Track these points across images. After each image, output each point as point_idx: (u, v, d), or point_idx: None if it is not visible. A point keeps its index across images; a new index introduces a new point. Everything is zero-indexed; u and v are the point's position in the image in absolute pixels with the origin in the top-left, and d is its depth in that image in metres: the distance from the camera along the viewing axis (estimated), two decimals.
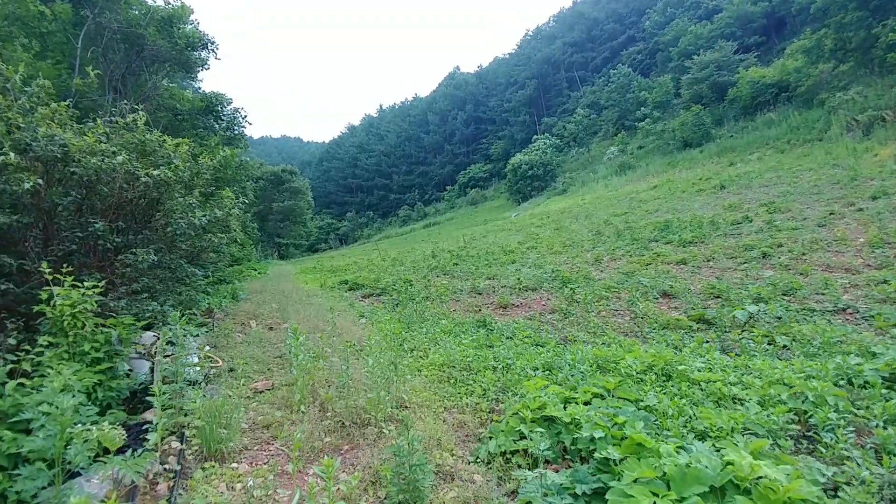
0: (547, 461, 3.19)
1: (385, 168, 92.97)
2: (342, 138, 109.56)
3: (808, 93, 27.29)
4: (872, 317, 5.67)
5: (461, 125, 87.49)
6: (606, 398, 3.86)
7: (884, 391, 3.50)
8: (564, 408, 3.74)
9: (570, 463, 3.22)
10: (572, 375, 4.55)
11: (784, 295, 6.98)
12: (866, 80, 24.01)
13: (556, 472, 2.93)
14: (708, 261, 10.15)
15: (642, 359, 4.50)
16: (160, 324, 4.90)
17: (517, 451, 3.37)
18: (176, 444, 3.04)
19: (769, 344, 5.30)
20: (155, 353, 4.18)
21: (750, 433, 3.22)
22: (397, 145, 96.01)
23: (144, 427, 3.08)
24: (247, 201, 10.18)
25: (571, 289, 8.85)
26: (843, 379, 3.88)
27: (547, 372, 4.77)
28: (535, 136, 59.17)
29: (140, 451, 2.67)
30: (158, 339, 4.23)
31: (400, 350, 6.47)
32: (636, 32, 66.48)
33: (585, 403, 3.81)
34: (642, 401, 3.77)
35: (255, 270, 22.19)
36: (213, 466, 2.86)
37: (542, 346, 5.84)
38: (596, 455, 2.85)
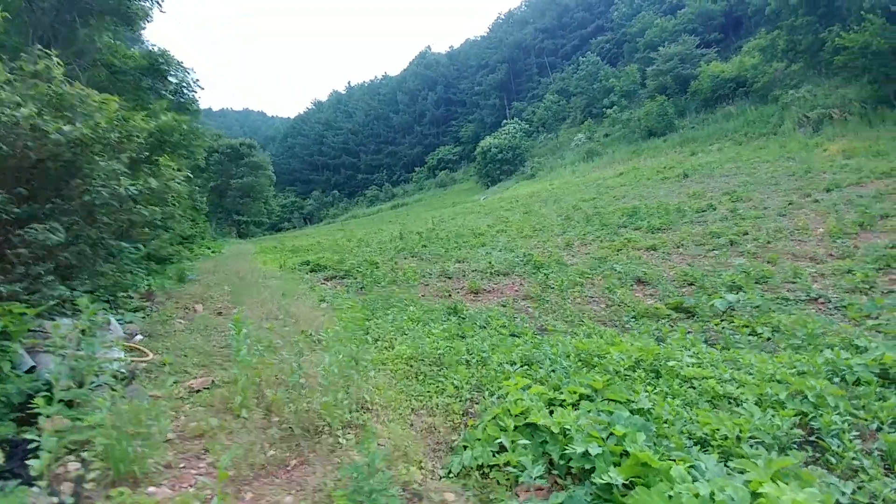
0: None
1: (353, 147, 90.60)
2: (308, 114, 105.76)
3: (764, 89, 28.01)
4: (845, 307, 5.57)
5: (431, 106, 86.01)
6: (595, 400, 3.46)
7: (878, 389, 3.25)
8: (550, 412, 3.32)
9: (557, 479, 2.80)
10: (553, 371, 4.14)
11: (757, 283, 6.84)
12: (815, 80, 24.83)
13: (545, 494, 2.49)
14: (678, 247, 10.04)
15: (629, 353, 4.14)
16: (71, 311, 4.15)
17: (497, 465, 2.92)
18: (76, 466, 2.41)
19: (752, 335, 5.08)
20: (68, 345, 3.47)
21: (757, 441, 2.88)
22: (366, 124, 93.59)
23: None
24: (191, 175, 9.21)
25: (545, 274, 8.51)
26: (835, 375, 3.63)
27: (526, 367, 4.35)
28: (504, 121, 58.73)
29: (14, 483, 2.06)
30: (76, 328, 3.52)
31: (363, 341, 5.92)
32: (605, 22, 66.64)
33: (573, 406, 3.41)
34: (634, 402, 3.39)
35: (209, 249, 20.91)
36: (123, 494, 2.27)
37: (518, 337, 5.43)
38: (595, 479, 2.42)
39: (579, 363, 4.22)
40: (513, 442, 3.08)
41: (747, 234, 9.83)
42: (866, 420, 2.98)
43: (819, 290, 6.22)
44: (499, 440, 3.12)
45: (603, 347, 4.43)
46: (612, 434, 2.80)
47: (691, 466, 2.57)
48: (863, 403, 3.13)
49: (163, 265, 10.69)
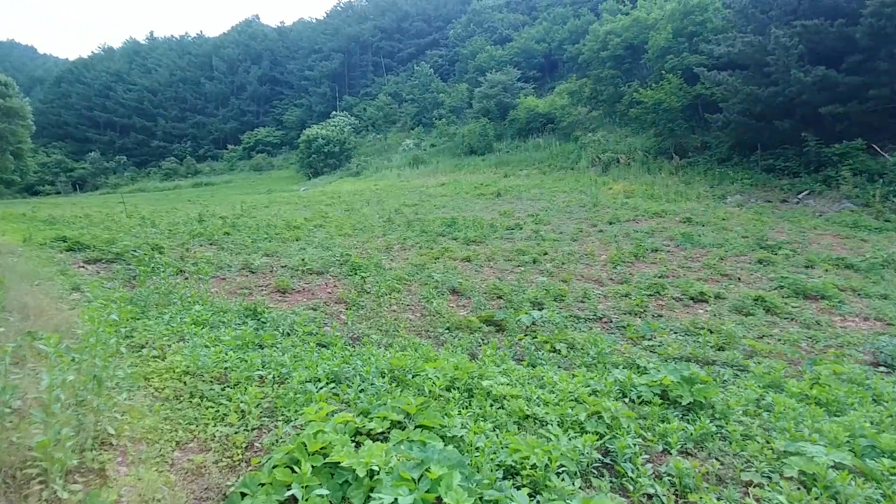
0: None
1: (149, 108, 76.37)
2: (94, 60, 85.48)
3: (568, 128, 32.81)
4: (624, 327, 6.40)
5: (254, 81, 78.18)
6: (407, 427, 3.08)
7: (662, 411, 3.62)
8: (357, 446, 2.81)
9: None
10: (363, 392, 3.65)
11: (555, 301, 7.51)
12: (610, 127, 30.12)
13: None
14: (489, 260, 10.64)
15: (445, 371, 3.90)
16: None
17: None
18: None
19: (552, 351, 5.41)
20: None
21: (563, 468, 2.85)
22: (169, 84, 79.99)
23: None
24: None
25: (362, 276, 8.02)
26: (624, 395, 3.97)
27: (333, 385, 3.76)
28: (334, 112, 56.84)
29: None
30: None
31: (120, 348, 4.55)
32: (441, 38, 70.17)
33: (382, 437, 2.96)
34: (448, 429, 3.11)
35: None
36: None
37: (326, 348, 4.79)
38: None
39: (392, 382, 3.82)
40: (306, 488, 2.48)
41: (547, 254, 10.95)
42: (654, 442, 3.22)
43: (603, 311, 7.10)
44: (290, 489, 2.48)
45: (419, 364, 4.12)
46: (425, 477, 2.42)
47: None
48: (648, 424, 3.41)
49: None
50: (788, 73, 16.80)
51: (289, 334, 5.23)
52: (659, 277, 8.86)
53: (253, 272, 8.53)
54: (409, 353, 4.66)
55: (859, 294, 8.16)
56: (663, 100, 23.17)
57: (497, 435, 3.19)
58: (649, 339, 5.92)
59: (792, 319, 7.02)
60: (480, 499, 2.52)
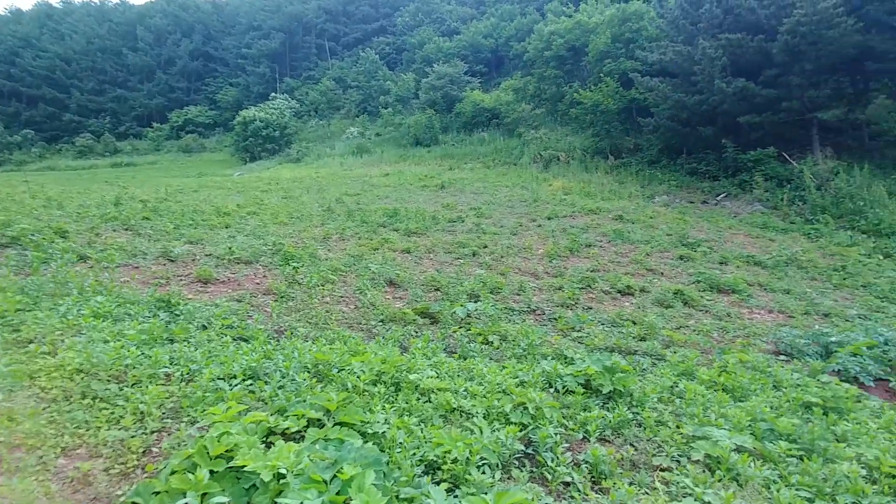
0: None
1: (62, 78, 69.17)
2: None
3: (512, 124, 33.29)
4: (556, 319, 6.54)
5: (185, 55, 72.94)
6: (326, 425, 2.92)
7: (585, 400, 3.69)
8: (267, 447, 2.62)
9: None
10: (282, 388, 3.45)
11: (491, 293, 7.56)
12: (552, 126, 30.84)
13: None
14: (429, 252, 10.56)
15: (371, 365, 3.77)
16: None
17: None
18: None
19: (485, 343, 5.42)
20: None
21: (485, 461, 2.82)
22: (86, 53, 72.80)
23: None
24: None
25: (294, 267, 7.67)
26: (550, 386, 4.02)
27: (250, 382, 3.52)
28: (274, 94, 54.22)
29: None
30: None
31: (4, 343, 4.05)
32: (389, 24, 68.82)
33: (297, 437, 2.79)
34: (370, 425, 2.99)
35: None
36: None
37: (247, 342, 4.50)
38: None
39: (314, 378, 3.63)
40: (204, 496, 2.28)
41: (486, 247, 11.02)
42: (575, 431, 3.27)
43: (538, 303, 7.22)
44: (187, 496, 2.26)
45: (345, 358, 3.96)
46: (337, 477, 2.29)
47: None
48: (571, 413, 3.46)
49: None
50: (712, 83, 17.93)
51: (205, 327, 4.86)
52: (591, 271, 9.16)
53: (172, 261, 7.91)
54: (337, 346, 4.48)
55: (765, 289, 8.87)
56: (601, 102, 24.04)
57: (422, 429, 3.11)
58: (578, 331, 6.08)
59: (706, 311, 7.49)
60: (397, 497, 2.43)
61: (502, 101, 35.53)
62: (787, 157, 17.63)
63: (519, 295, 7.61)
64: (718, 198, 17.64)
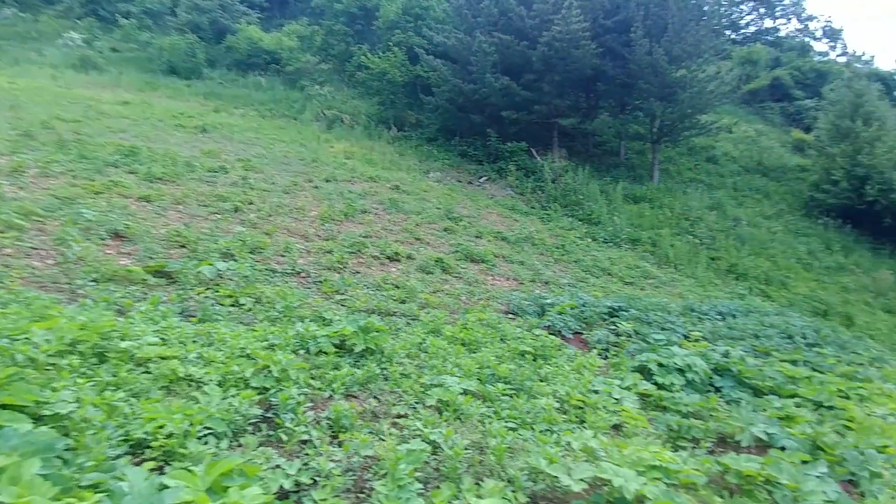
0: None
1: None
2: None
3: (295, 74, 30.87)
4: (321, 282, 6.36)
5: None
6: None
7: (336, 359, 3.63)
8: None
9: None
10: None
11: (251, 253, 6.90)
12: (339, 85, 29.67)
13: None
14: (178, 203, 9.01)
15: (62, 332, 2.92)
16: None
17: None
18: None
19: (234, 305, 4.87)
20: None
21: (210, 431, 2.47)
22: None
23: None
24: None
25: None
26: (302, 348, 3.84)
27: None
28: None
29: None
30: None
31: None
32: None
33: None
34: (50, 405, 2.30)
35: None
36: None
37: None
38: None
39: None
40: None
41: (252, 203, 10.01)
42: (321, 390, 3.17)
43: (303, 266, 6.88)
44: None
45: (22, 325, 2.97)
46: None
47: (106, 493, 1.86)
48: (320, 373, 3.35)
49: None
50: (484, 76, 20.02)
51: None
52: (363, 237, 9.26)
53: None
54: (12, 310, 3.34)
55: (507, 260, 10.48)
56: (388, 71, 24.34)
57: (131, 405, 2.55)
58: (342, 294, 6.05)
59: (460, 278, 8.42)
60: (78, 486, 1.93)
61: (284, 46, 32.50)
62: (534, 152, 21.12)
63: (283, 256, 7.14)
64: (481, 180, 20.06)
